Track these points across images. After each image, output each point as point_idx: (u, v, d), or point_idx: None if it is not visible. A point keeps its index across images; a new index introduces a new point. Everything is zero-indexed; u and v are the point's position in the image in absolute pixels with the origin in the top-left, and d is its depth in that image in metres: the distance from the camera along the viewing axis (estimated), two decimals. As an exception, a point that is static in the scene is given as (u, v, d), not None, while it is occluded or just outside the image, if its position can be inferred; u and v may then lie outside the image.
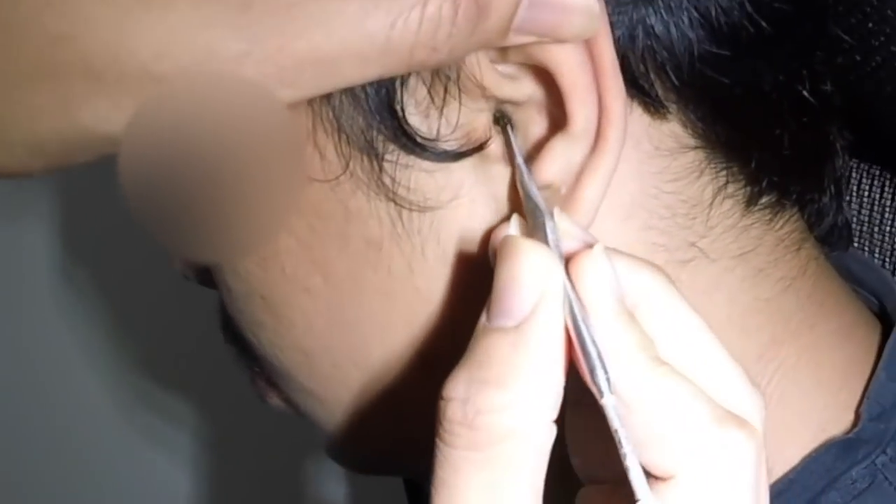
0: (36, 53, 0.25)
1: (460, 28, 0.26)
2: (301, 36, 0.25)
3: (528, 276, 0.27)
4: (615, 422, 0.26)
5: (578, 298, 0.27)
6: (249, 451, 1.01)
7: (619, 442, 0.25)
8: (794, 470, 0.34)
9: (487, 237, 0.32)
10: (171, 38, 0.25)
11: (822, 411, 0.35)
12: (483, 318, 0.28)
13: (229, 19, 0.25)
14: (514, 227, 0.30)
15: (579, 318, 0.26)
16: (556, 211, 0.29)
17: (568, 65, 0.29)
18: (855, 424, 0.35)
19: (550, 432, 0.26)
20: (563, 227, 0.29)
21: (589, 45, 0.28)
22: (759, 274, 0.35)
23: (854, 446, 0.35)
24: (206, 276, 0.40)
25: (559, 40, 0.28)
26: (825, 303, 0.37)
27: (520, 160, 0.31)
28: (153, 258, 0.60)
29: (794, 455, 0.35)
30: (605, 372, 0.26)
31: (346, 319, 0.34)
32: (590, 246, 0.28)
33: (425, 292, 0.33)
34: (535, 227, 0.29)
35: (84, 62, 0.25)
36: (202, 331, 0.54)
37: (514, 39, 0.27)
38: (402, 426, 0.37)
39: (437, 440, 0.26)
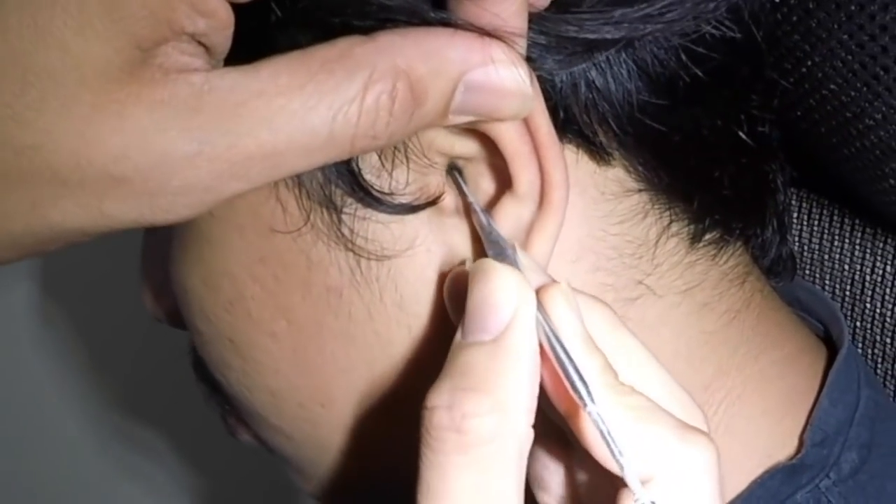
0: (4, 163, 0.27)
1: (397, 117, 0.27)
2: (249, 134, 0.26)
3: (503, 294, 0.28)
4: (603, 426, 0.27)
5: (550, 322, 0.28)
6: (225, 485, 1.02)
7: (610, 444, 0.27)
8: (741, 496, 0.36)
9: (443, 283, 0.33)
10: (128, 142, 0.26)
11: (768, 438, 0.37)
12: (459, 335, 0.29)
13: (181, 122, 0.26)
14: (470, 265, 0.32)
15: (554, 340, 0.28)
16: (519, 250, 0.31)
17: (508, 136, 0.30)
18: (799, 450, 0.37)
19: (530, 434, 0.28)
20: (525, 263, 0.31)
21: (526, 119, 0.30)
22: (704, 308, 0.36)
23: (798, 471, 0.36)
24: (177, 319, 0.41)
25: (497, 120, 0.30)
26: (770, 333, 0.38)
27: (474, 203, 0.32)
28: (129, 298, 0.61)
29: (741, 481, 0.36)
30: (586, 384, 0.27)
31: (310, 362, 0.36)
32: (554, 280, 0.30)
33: (384, 336, 0.34)
34: (499, 260, 0.30)
35: (49, 169, 0.26)
36: (178, 368, 0.55)
37: (454, 120, 0.29)
38: (366, 461, 0.38)
39: (423, 448, 0.27)
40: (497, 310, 0.28)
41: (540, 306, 0.29)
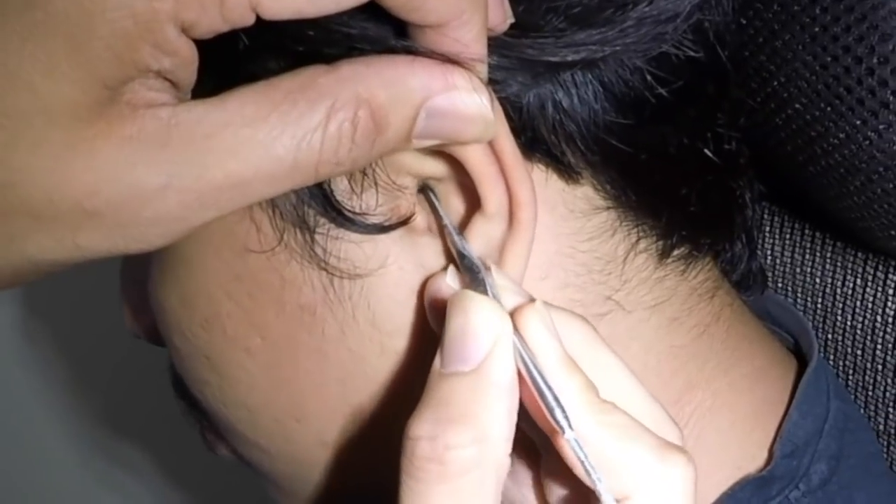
0: None
1: (359, 143, 0.28)
2: (216, 165, 0.27)
3: (482, 326, 0.29)
4: (580, 452, 0.28)
5: (527, 347, 0.29)
6: (204, 499, 1.02)
7: (588, 470, 0.28)
8: (711, 508, 0.36)
9: (415, 301, 0.34)
10: (99, 177, 0.27)
11: (738, 450, 0.38)
12: (437, 363, 0.30)
13: (150, 156, 0.27)
14: (451, 277, 0.32)
15: (530, 364, 0.29)
16: (493, 268, 0.32)
17: (474, 158, 0.31)
18: (769, 462, 0.37)
19: (507, 462, 0.28)
20: (501, 283, 0.31)
21: (491, 142, 0.31)
22: (673, 322, 0.37)
23: (768, 483, 0.37)
24: (156, 336, 0.41)
25: (460, 144, 0.30)
26: (739, 347, 0.39)
27: (448, 223, 0.33)
28: (109, 315, 0.61)
29: (711, 493, 0.37)
30: (563, 410, 0.28)
31: (285, 378, 0.36)
32: (531, 300, 0.30)
33: (357, 353, 0.35)
34: (473, 282, 0.31)
35: (24, 205, 0.27)
36: (157, 384, 0.56)
37: (418, 144, 0.30)
38: (342, 475, 0.38)
39: (405, 476, 0.28)
40: (475, 341, 0.29)
41: (516, 330, 0.29)
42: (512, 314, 0.30)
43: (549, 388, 0.28)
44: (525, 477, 0.33)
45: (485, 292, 0.30)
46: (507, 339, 0.29)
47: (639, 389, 0.31)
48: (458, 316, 0.29)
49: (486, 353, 0.29)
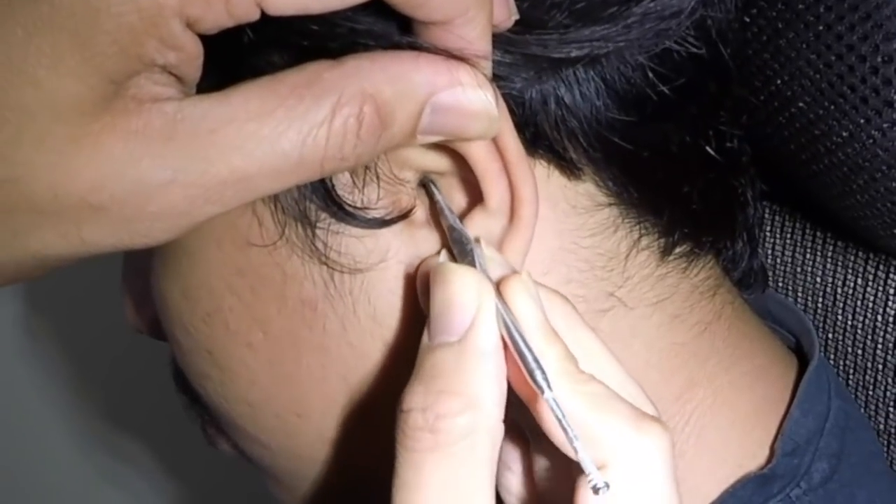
0: None
1: (364, 139, 0.28)
2: (221, 160, 0.27)
3: (464, 295, 0.29)
4: (558, 412, 0.28)
5: (510, 313, 0.29)
6: (205, 494, 1.02)
7: (565, 429, 0.28)
8: (712, 505, 0.36)
9: (415, 295, 0.34)
10: (104, 172, 0.27)
11: (739, 448, 0.38)
12: (425, 337, 0.30)
13: (155, 151, 0.27)
14: (442, 258, 0.33)
15: (513, 329, 0.29)
16: (481, 241, 0.32)
17: (477, 154, 0.31)
18: (770, 460, 0.37)
19: (500, 428, 0.29)
20: (488, 255, 0.31)
21: (494, 138, 0.31)
22: (675, 320, 0.37)
23: (769, 481, 0.37)
24: (158, 330, 0.41)
25: (464, 140, 0.30)
26: (740, 345, 0.39)
27: (440, 199, 0.33)
28: (110, 310, 0.61)
29: (712, 490, 0.37)
30: (543, 372, 0.28)
31: (286, 373, 0.36)
32: (515, 271, 0.30)
33: (358, 347, 0.35)
34: (461, 255, 0.31)
35: (28, 201, 0.27)
36: (159, 378, 0.56)
37: (422, 140, 0.30)
38: (343, 471, 0.38)
39: (399, 448, 0.28)
40: (459, 310, 0.29)
41: (500, 298, 0.29)
42: (498, 283, 0.30)
43: (531, 350, 0.29)
44: (515, 465, 0.33)
45: (472, 264, 0.31)
46: (490, 306, 0.29)
47: (616, 367, 0.31)
48: (440, 287, 0.30)
49: (470, 321, 0.29)
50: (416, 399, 0.28)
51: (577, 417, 0.28)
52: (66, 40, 0.26)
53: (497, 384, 0.29)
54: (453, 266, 0.30)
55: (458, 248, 0.31)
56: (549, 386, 0.28)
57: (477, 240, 0.31)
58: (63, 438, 1.00)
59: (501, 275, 0.30)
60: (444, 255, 0.33)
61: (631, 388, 0.31)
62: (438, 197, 0.33)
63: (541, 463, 0.32)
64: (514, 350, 0.29)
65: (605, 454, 0.28)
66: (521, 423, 0.32)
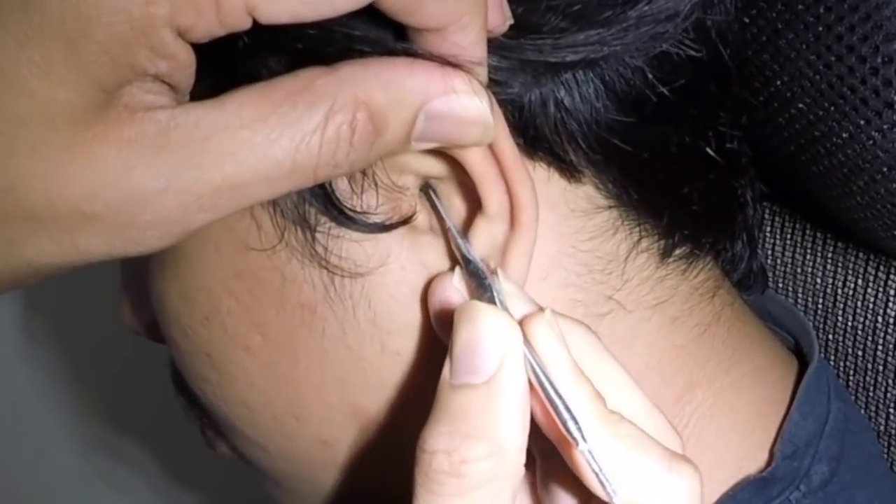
0: None
1: (358, 146, 0.28)
2: (214, 167, 0.27)
3: (492, 337, 0.29)
4: (595, 465, 0.28)
5: (537, 357, 0.29)
6: (205, 496, 1.02)
7: (603, 482, 0.28)
8: (712, 508, 0.36)
9: (416, 300, 0.33)
10: (98, 181, 0.27)
11: (739, 451, 0.38)
12: (446, 373, 0.29)
13: (148, 159, 0.27)
14: (457, 280, 0.32)
15: (541, 374, 0.29)
16: (500, 273, 0.31)
17: (474, 160, 0.31)
18: (770, 463, 0.37)
19: (522, 472, 0.29)
20: (507, 289, 0.31)
21: (490, 144, 0.31)
22: (674, 322, 0.37)
23: (769, 484, 0.37)
24: (156, 333, 0.41)
25: (460, 146, 0.30)
26: (740, 347, 0.39)
27: (451, 227, 0.33)
28: (109, 313, 0.61)
29: (712, 493, 0.37)
30: (576, 422, 0.28)
31: (284, 376, 0.36)
32: (539, 308, 0.30)
33: (357, 351, 0.35)
34: (479, 287, 0.31)
35: (23, 209, 0.27)
36: (157, 381, 0.56)
37: (417, 146, 0.30)
38: (341, 473, 0.38)
39: (421, 490, 0.28)
40: (487, 353, 0.29)
41: (525, 340, 0.29)
42: (521, 323, 0.29)
43: (562, 399, 0.28)
44: (522, 484, 0.33)
45: (491, 298, 0.30)
46: (518, 350, 0.29)
47: (640, 397, 0.31)
48: (467, 327, 0.29)
49: (498, 364, 0.29)
50: (440, 441, 0.28)
51: (610, 460, 0.28)
52: (57, 50, 0.26)
53: (522, 430, 0.28)
54: (482, 306, 0.29)
55: (476, 282, 0.31)
56: (583, 437, 0.28)
57: (493, 271, 0.31)
58: (62, 441, 1.00)
59: (523, 311, 0.30)
60: (457, 277, 0.32)
61: (656, 416, 0.31)
62: (448, 222, 0.33)
63: (555, 496, 0.32)
64: (543, 397, 0.29)
65: (637, 496, 0.28)
66: (531, 445, 0.32)
